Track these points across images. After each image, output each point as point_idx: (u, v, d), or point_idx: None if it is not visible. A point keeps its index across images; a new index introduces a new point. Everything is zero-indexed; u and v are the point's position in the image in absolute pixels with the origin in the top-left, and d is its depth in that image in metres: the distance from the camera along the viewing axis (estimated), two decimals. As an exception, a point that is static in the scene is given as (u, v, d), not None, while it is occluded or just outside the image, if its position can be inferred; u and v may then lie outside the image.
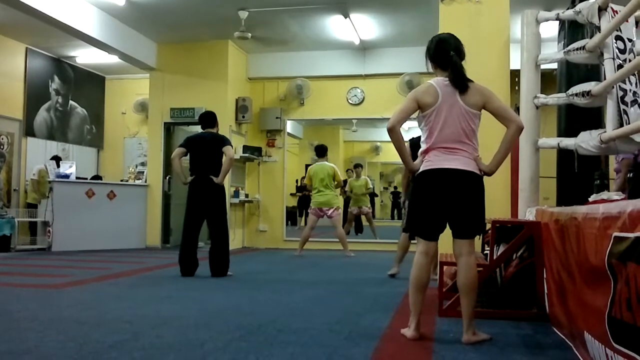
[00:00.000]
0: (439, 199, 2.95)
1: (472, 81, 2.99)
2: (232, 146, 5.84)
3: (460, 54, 3.00)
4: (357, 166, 10.17)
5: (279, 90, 9.83)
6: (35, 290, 4.66)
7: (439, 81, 2.98)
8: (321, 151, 8.32)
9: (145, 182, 9.42)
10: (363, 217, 10.26)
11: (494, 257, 3.71)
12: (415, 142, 3.98)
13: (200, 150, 5.71)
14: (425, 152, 3.00)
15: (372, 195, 11.56)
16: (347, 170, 12.09)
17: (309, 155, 14.63)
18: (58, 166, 8.65)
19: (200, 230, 5.74)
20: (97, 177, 9.86)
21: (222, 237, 5.61)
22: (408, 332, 3.00)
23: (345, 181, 9.47)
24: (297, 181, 13.28)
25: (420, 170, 3.01)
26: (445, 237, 3.13)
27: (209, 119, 5.90)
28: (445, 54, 2.99)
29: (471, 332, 2.92)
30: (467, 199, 2.95)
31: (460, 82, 2.93)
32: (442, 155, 2.93)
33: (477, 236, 3.05)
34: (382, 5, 7.54)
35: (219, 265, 5.54)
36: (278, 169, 9.90)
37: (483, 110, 3.00)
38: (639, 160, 4.45)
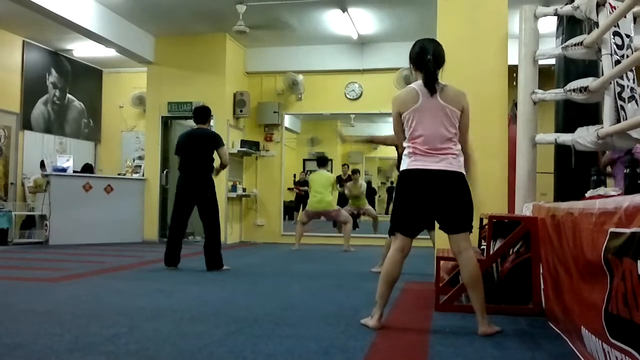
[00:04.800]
0: (423, 199, 3.02)
1: (446, 85, 3.05)
2: (224, 145, 5.80)
3: (438, 59, 3.06)
4: (355, 172, 9.97)
5: (277, 84, 9.82)
6: (32, 283, 4.66)
7: (419, 84, 3.05)
8: (322, 161, 8.42)
9: (143, 176, 9.41)
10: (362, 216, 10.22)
11: (491, 252, 3.72)
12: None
13: (189, 148, 5.64)
14: (409, 152, 3.05)
15: (371, 192, 11.46)
16: (343, 165, 12.08)
17: (307, 149, 14.64)
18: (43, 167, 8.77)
19: (186, 225, 5.72)
20: (87, 166, 9.51)
21: (213, 231, 5.58)
22: (370, 321, 3.07)
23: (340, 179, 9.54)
24: (294, 176, 13.30)
25: (405, 167, 3.07)
26: (443, 232, 3.15)
27: (202, 114, 5.80)
28: (422, 58, 3.05)
29: (486, 324, 2.97)
30: (453, 197, 3.01)
31: (431, 84, 2.99)
32: (426, 157, 2.99)
33: (470, 231, 3.09)
34: (380, 0, 7.53)
35: (212, 259, 5.53)
36: (276, 163, 9.89)
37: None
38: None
